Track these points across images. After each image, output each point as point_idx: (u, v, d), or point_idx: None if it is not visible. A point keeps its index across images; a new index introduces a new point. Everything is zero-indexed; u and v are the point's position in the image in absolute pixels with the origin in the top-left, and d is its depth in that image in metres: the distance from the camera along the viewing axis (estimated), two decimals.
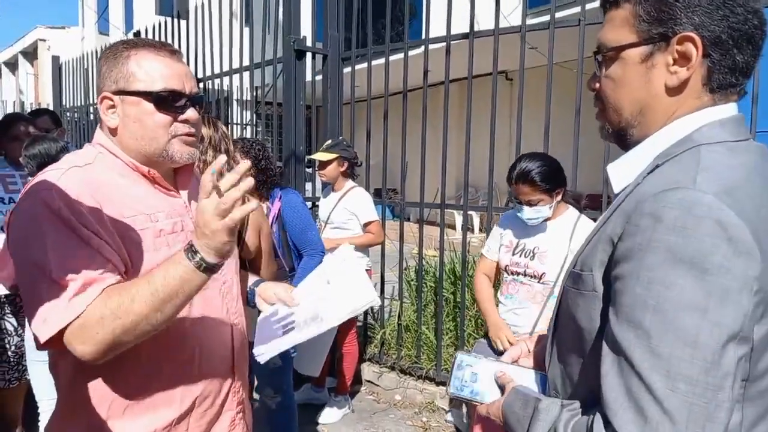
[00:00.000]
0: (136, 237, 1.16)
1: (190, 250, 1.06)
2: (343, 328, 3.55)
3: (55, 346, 1.07)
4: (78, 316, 1.04)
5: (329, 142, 3.69)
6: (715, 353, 0.70)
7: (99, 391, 1.17)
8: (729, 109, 0.87)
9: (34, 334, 1.07)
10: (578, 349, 0.90)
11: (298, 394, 3.74)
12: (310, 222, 2.61)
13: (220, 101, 4.99)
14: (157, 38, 5.36)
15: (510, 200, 2.54)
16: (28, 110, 7.53)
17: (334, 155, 3.49)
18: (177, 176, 1.34)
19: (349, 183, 3.60)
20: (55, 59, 8.12)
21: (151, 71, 1.21)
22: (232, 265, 1.40)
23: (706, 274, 0.71)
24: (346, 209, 3.50)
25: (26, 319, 1.19)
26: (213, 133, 1.94)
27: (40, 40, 21.88)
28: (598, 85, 0.94)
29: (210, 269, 1.08)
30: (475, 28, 3.46)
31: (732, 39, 0.82)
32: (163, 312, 1.07)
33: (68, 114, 7.73)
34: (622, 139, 0.94)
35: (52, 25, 22.31)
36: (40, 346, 1.08)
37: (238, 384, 1.38)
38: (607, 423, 0.74)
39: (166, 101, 1.21)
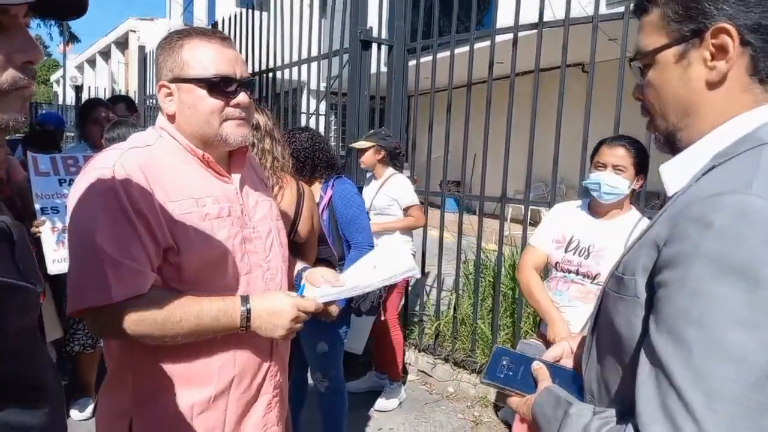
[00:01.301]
0: (181, 220, 1.22)
1: (246, 318, 1.24)
2: (387, 315, 3.59)
3: (80, 314, 1.17)
4: (114, 303, 1.13)
5: (371, 131, 3.81)
6: (762, 373, 0.65)
7: (143, 364, 1.25)
8: None
9: (68, 298, 1.17)
10: (616, 356, 0.86)
11: (363, 381, 3.84)
12: (359, 214, 2.63)
13: (290, 91, 5.11)
14: (233, 29, 5.57)
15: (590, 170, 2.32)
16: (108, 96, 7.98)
17: (370, 143, 3.61)
18: (231, 160, 1.39)
19: (389, 170, 3.67)
20: (141, 49, 8.57)
21: (202, 58, 1.26)
22: (278, 253, 1.44)
23: (758, 287, 0.65)
24: (387, 195, 3.58)
25: None
26: (267, 121, 2.00)
27: (131, 31, 23.18)
28: (640, 93, 0.92)
29: (243, 331, 1.26)
30: (547, 18, 3.36)
31: None
32: (187, 339, 1.21)
33: (151, 101, 8.16)
34: (673, 146, 0.89)
35: (142, 17, 23.55)
36: (70, 312, 1.17)
37: (276, 368, 1.42)
38: None
39: (218, 86, 1.26)
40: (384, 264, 1.49)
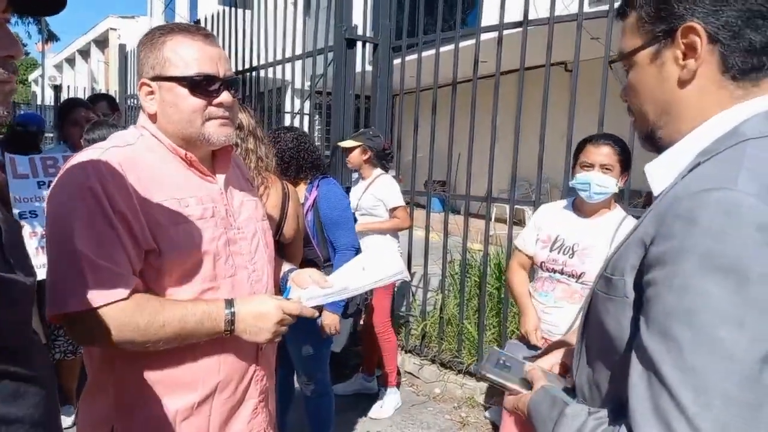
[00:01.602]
0: (163, 221, 1.19)
1: (231, 321, 1.21)
2: (378, 320, 3.57)
3: (59, 320, 1.14)
4: (95, 309, 1.10)
5: (360, 130, 3.77)
6: (753, 369, 0.64)
7: (125, 371, 1.21)
8: None
9: (47, 303, 1.13)
10: (606, 357, 0.86)
11: (349, 384, 3.80)
12: (343, 215, 2.59)
13: (273, 90, 5.06)
14: (215, 27, 5.50)
15: (573, 168, 2.34)
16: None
17: (357, 143, 3.57)
18: (215, 160, 1.36)
19: (377, 171, 3.64)
20: (122, 47, 8.45)
21: (185, 56, 1.23)
22: (263, 254, 1.41)
23: (745, 284, 0.65)
24: (373, 195, 3.56)
25: None
26: (250, 120, 1.97)
27: (111, 29, 22.88)
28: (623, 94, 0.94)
29: (227, 335, 1.23)
30: (530, 17, 3.36)
31: (741, 19, 0.78)
32: (169, 344, 1.18)
33: (132, 100, 8.04)
34: (655, 144, 0.91)
35: (123, 15, 23.26)
36: (49, 317, 1.13)
37: (262, 373, 1.39)
38: None
39: (200, 85, 1.23)
40: (373, 266, 1.47)
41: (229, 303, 1.22)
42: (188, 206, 1.24)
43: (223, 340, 1.26)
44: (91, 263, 1.10)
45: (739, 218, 0.66)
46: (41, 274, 2.70)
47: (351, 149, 3.60)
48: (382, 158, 3.67)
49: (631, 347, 0.75)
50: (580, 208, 2.41)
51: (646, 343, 0.71)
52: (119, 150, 1.21)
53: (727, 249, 0.66)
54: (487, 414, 3.53)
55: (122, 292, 1.12)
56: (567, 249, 2.36)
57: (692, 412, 0.65)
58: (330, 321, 2.49)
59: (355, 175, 3.89)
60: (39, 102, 16.80)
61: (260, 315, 1.24)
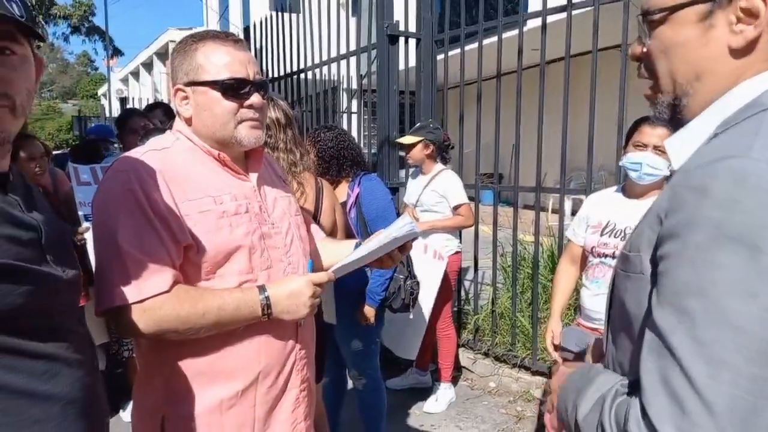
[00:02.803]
0: (200, 218, 1.25)
1: (267, 305, 1.26)
2: (437, 313, 3.55)
3: (107, 314, 1.21)
4: (141, 301, 1.17)
5: (418, 124, 3.69)
6: (765, 341, 0.62)
7: (170, 362, 1.28)
8: None
9: (95, 300, 1.21)
10: (628, 335, 0.83)
11: (403, 378, 3.82)
12: (386, 210, 2.60)
13: (321, 92, 5.13)
14: (265, 32, 5.63)
15: (625, 148, 2.26)
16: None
17: (418, 138, 3.49)
18: (248, 160, 1.41)
19: (438, 166, 3.57)
20: None
21: (216, 61, 1.28)
22: (298, 247, 1.45)
23: (758, 253, 0.62)
24: (435, 192, 3.49)
25: None
26: (279, 115, 2.02)
27: (171, 41, 23.77)
28: (644, 50, 0.85)
29: (266, 319, 1.28)
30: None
31: None
32: (210, 331, 1.24)
33: None
34: (676, 111, 0.84)
35: (181, 27, 24.14)
36: (97, 313, 1.20)
37: (302, 362, 1.42)
38: (644, 412, 0.68)
39: (232, 89, 1.28)
40: (384, 231, 1.46)
41: (262, 289, 1.28)
42: (223, 203, 1.29)
43: (263, 328, 1.31)
44: (134, 259, 1.17)
45: (751, 187, 0.64)
46: None
47: (412, 145, 3.52)
48: (443, 150, 3.60)
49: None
50: (631, 190, 2.34)
51: (657, 315, 0.70)
52: (156, 153, 1.28)
53: (739, 219, 0.63)
54: (543, 408, 3.46)
55: (163, 285, 1.18)
56: (618, 232, 2.29)
57: (701, 384, 0.63)
58: (365, 312, 2.54)
59: (407, 170, 3.86)
60: (108, 114, 17.72)
61: (292, 293, 1.28)
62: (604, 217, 2.36)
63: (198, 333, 1.23)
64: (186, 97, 1.32)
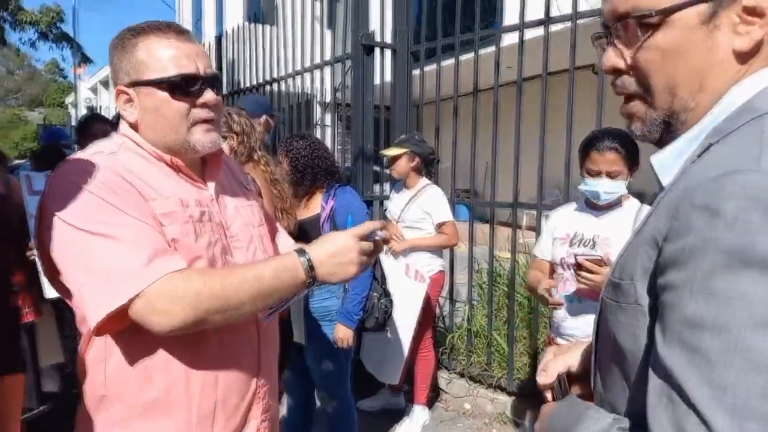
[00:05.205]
0: (167, 220, 1.12)
1: (311, 267, 1.11)
2: (419, 335, 3.41)
3: (113, 327, 1.05)
4: (161, 277, 1.01)
5: (402, 137, 3.54)
6: None
7: (122, 389, 1.14)
8: None
9: (90, 316, 1.03)
10: (621, 373, 0.74)
11: (375, 399, 3.68)
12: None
13: (295, 104, 5.02)
14: (239, 41, 5.50)
15: (581, 169, 2.24)
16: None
17: (403, 150, 3.35)
18: (205, 167, 1.28)
19: (423, 180, 3.43)
20: None
21: (160, 57, 1.15)
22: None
23: None
24: (420, 208, 3.35)
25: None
26: (242, 121, 1.93)
27: None
28: (627, 62, 0.74)
29: (311, 285, 1.13)
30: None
31: None
32: (255, 305, 1.09)
33: None
34: (669, 129, 0.75)
35: None
36: (96, 331, 1.04)
37: (264, 389, 1.29)
38: None
39: (181, 87, 1.15)
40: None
41: (301, 252, 1.12)
42: (188, 206, 1.17)
43: (220, 356, 1.17)
44: (130, 243, 1.03)
45: (767, 203, 0.55)
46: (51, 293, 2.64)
47: (396, 157, 3.37)
48: (429, 164, 3.47)
49: (648, 362, 0.64)
50: (593, 205, 2.30)
51: (665, 356, 0.60)
52: (103, 155, 1.14)
53: (758, 242, 0.55)
54: (519, 431, 3.37)
55: (181, 263, 1.05)
56: (587, 241, 2.25)
57: None
58: (343, 335, 2.40)
59: (381, 184, 3.76)
60: (74, 124, 17.31)
61: (336, 252, 1.13)
62: (571, 229, 2.34)
63: (240, 310, 1.07)
64: (130, 100, 1.18)
